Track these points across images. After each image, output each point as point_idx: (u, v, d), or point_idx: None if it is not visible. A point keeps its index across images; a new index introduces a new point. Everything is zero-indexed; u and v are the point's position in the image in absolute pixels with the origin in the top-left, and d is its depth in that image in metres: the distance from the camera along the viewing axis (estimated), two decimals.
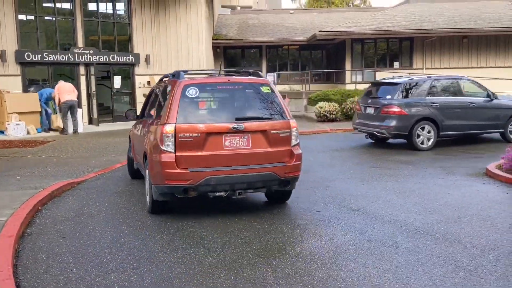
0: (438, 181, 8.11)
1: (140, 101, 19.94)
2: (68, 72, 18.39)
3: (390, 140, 12.87)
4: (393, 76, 13.74)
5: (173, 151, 5.73)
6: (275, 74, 25.67)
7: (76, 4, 17.93)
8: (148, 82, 20.09)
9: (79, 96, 18.26)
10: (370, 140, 13.26)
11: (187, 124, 5.78)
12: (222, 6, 30.68)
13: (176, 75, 6.44)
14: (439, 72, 21.85)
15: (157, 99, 7.06)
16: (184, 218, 6.03)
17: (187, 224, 5.79)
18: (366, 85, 20.82)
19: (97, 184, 8.36)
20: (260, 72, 6.95)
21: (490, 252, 4.69)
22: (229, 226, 5.66)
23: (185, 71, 6.55)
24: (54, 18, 17.75)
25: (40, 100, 16.00)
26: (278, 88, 21.56)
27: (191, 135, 5.75)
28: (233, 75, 7.06)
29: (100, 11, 19.09)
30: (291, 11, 29.63)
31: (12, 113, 15.26)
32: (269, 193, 6.57)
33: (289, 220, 5.91)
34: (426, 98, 11.69)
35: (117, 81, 19.44)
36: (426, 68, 22.55)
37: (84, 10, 18.40)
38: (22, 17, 17.06)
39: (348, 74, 22.73)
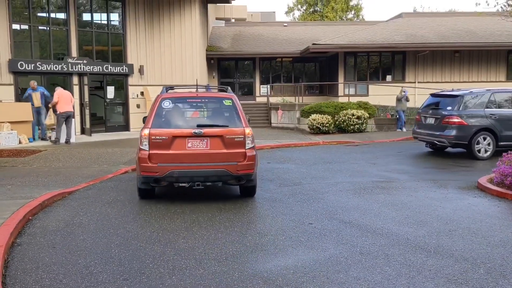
0: (430, 194, 8.15)
1: (133, 111, 19.94)
2: (61, 82, 18.34)
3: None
4: (452, 89, 14.10)
5: (147, 149, 7.28)
6: (269, 86, 25.79)
7: (71, 14, 17.96)
8: (142, 93, 20.10)
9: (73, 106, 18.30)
10: (379, 151, 13.37)
11: (159, 129, 7.33)
12: (217, 18, 30.88)
13: (162, 90, 8.08)
14: (431, 86, 22.10)
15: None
16: (175, 230, 6.00)
17: (178, 235, 5.77)
18: (359, 98, 21.05)
19: (88, 194, 8.32)
20: (228, 88, 8.50)
21: (481, 265, 4.71)
22: (219, 239, 5.64)
23: (171, 87, 8.48)
24: (48, 28, 17.76)
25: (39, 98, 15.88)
26: (271, 100, 21.67)
27: (161, 137, 7.26)
28: (207, 90, 8.75)
29: (94, 21, 19.11)
30: (285, 24, 29.86)
31: (4, 122, 15.16)
32: (240, 188, 7.99)
33: (282, 232, 5.89)
34: (485, 109, 12.20)
35: (110, 92, 19.41)
36: (418, 82, 22.77)
37: (78, 20, 18.43)
38: (15, 26, 17.05)
39: (341, 87, 22.88)
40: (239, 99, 8.72)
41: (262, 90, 25.88)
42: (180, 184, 7.32)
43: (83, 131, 18.32)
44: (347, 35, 23.31)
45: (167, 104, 7.63)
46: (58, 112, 15.23)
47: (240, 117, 7.65)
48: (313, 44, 21.65)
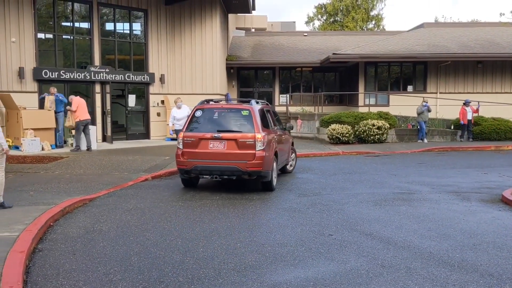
0: (453, 206, 7.99)
1: (153, 119, 20.12)
2: (83, 90, 18.64)
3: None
4: None
5: (181, 148, 9.33)
6: (288, 95, 25.77)
7: (94, 24, 18.27)
8: (162, 101, 20.27)
9: (94, 114, 18.55)
10: (399, 162, 13.24)
11: (190, 132, 9.37)
12: (237, 28, 31.05)
13: (199, 102, 10.08)
14: (452, 97, 21.80)
15: None
16: (194, 239, 5.99)
17: (197, 244, 5.75)
18: (379, 108, 20.87)
19: (108, 201, 8.37)
20: (251, 101, 9.98)
21: (507, 281, 4.58)
22: (238, 248, 5.60)
23: (208, 101, 10.22)
24: (72, 37, 18.08)
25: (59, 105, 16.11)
26: (290, 110, 21.69)
27: (190, 139, 9.29)
28: (227, 99, 10.25)
29: (117, 31, 19.40)
30: (305, 34, 29.87)
31: (27, 129, 15.44)
32: (261, 183, 9.43)
33: (301, 243, 5.83)
34: None
35: (131, 100, 19.63)
36: (440, 93, 22.48)
37: (102, 30, 18.73)
38: (41, 35, 17.41)
39: (361, 97, 22.72)
40: None
41: (281, 100, 25.88)
42: (204, 177, 9.33)
43: (104, 139, 18.53)
44: (367, 45, 23.18)
45: (198, 113, 9.63)
46: (78, 120, 15.43)
47: (253, 125, 9.20)
48: (333, 54, 21.58)
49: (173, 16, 20.36)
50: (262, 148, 9.03)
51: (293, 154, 12.31)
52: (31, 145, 15.29)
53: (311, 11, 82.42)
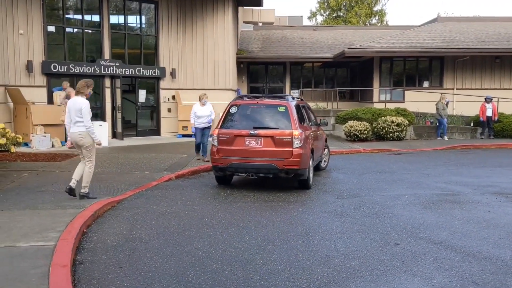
0: (508, 209, 7.45)
1: (164, 115, 19.49)
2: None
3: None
4: None
5: (216, 145, 9.05)
6: (299, 91, 25.16)
7: (104, 16, 17.61)
8: (173, 97, 19.64)
9: (103, 109, 17.92)
10: (425, 161, 12.69)
11: (225, 129, 9.08)
12: (244, 22, 30.38)
13: (234, 98, 10.03)
14: (470, 93, 21.26)
15: None
16: (248, 248, 5.42)
17: (253, 254, 5.18)
18: (394, 105, 20.32)
19: (137, 203, 7.79)
20: (287, 96, 9.81)
21: None
22: (302, 260, 5.03)
23: (243, 96, 10.00)
24: (81, 29, 17.41)
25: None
26: None
27: (226, 136, 8.98)
28: (238, 94, 10.15)
29: (127, 24, 18.72)
30: (315, 28, 29.25)
31: (37, 125, 14.81)
32: (298, 181, 9.15)
33: (369, 253, 5.26)
34: None
35: (142, 95, 18.99)
36: (456, 89, 21.94)
37: (111, 22, 18.05)
38: (50, 28, 16.73)
39: (376, 93, 22.16)
40: None
41: (292, 95, 25.25)
42: (239, 174, 8.98)
43: (114, 135, 17.90)
44: (382, 39, 22.60)
45: (233, 109, 9.32)
46: None
47: (290, 121, 8.84)
48: (349, 48, 20.99)
49: (184, 7, 19.71)
50: (300, 145, 8.72)
51: (326, 150, 11.81)
52: (41, 142, 14.66)
53: (313, 6, 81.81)
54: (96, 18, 17.84)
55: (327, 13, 56.08)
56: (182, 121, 18.98)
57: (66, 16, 17.09)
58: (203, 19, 19.89)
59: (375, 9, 54.29)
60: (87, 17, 17.72)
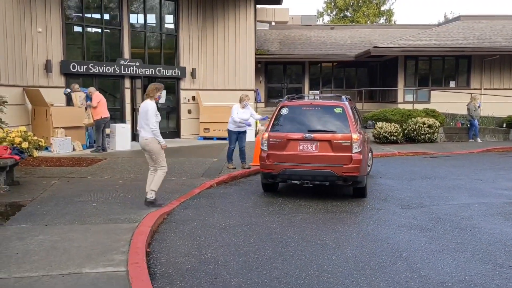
0: None
1: (184, 117, 18.80)
2: (111, 85, 17.31)
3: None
4: None
5: (266, 149, 8.37)
6: (318, 92, 24.45)
7: (123, 15, 16.90)
8: (193, 98, 18.94)
9: (123, 111, 17.21)
10: (468, 164, 11.99)
11: (276, 132, 8.38)
12: (258, 21, 29.64)
13: (284, 99, 9.12)
14: (498, 93, 20.57)
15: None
16: (344, 274, 4.71)
17: (356, 282, 4.47)
18: (420, 105, 19.60)
19: (188, 215, 7.08)
20: (342, 97, 8.94)
21: None
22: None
23: (293, 96, 9.38)
24: (100, 29, 16.69)
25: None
26: None
27: (277, 140, 8.30)
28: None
29: (147, 23, 18.00)
30: (332, 27, 28.54)
31: (58, 127, 14.09)
32: (353, 189, 8.47)
33: (491, 280, 4.54)
34: None
35: (162, 96, 18.22)
36: (484, 89, 21.23)
37: (131, 20, 17.32)
38: (68, 27, 16.03)
39: (400, 93, 21.45)
40: None
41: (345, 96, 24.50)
42: (292, 181, 8.19)
43: (134, 138, 17.15)
44: (407, 38, 21.89)
45: (284, 111, 8.57)
46: (99, 118, 13.81)
47: (348, 124, 8.15)
48: (374, 47, 20.27)
49: (204, 5, 19.01)
50: (359, 150, 8.05)
51: (370, 154, 11.07)
52: (62, 145, 13.94)
53: (320, 6, 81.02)
54: (115, 16, 17.14)
55: (334, 13, 55.38)
56: (203, 123, 18.30)
57: (85, 14, 16.37)
58: (224, 17, 19.19)
59: (382, 8, 53.69)
60: (106, 16, 17.01)
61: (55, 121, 14.11)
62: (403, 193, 9.01)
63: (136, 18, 17.98)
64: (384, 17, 54.03)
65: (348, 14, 53.88)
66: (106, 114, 14.05)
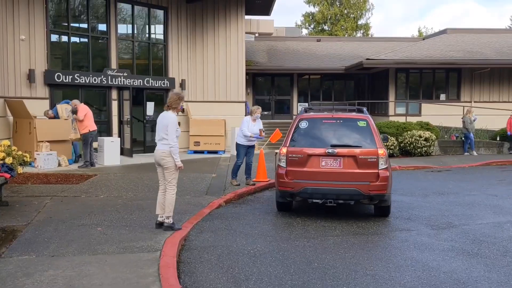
0: None
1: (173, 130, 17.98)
2: (97, 96, 16.45)
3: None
4: None
5: (284, 166, 7.74)
6: (307, 104, 24.02)
7: (111, 23, 16.10)
8: (183, 110, 18.11)
9: (110, 124, 16.33)
10: (473, 179, 11.57)
11: (296, 147, 7.76)
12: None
13: (300, 111, 8.65)
14: (487, 106, 20.53)
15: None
16: None
17: None
18: (410, 118, 19.31)
19: (208, 240, 6.39)
20: (364, 109, 8.54)
21: None
22: None
23: (309, 108, 9.02)
24: (87, 37, 15.82)
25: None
26: None
27: (297, 155, 7.68)
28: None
29: (135, 32, 17.24)
30: (318, 39, 28.28)
31: (42, 141, 13.15)
32: (374, 207, 8.00)
33: None
34: None
35: (150, 108, 17.44)
36: (474, 101, 21.18)
37: (118, 31, 16.52)
38: (53, 35, 15.14)
39: (391, 106, 21.18)
40: (275, 117, 9.64)
41: (299, 109, 24.09)
42: (314, 200, 7.56)
43: (122, 152, 16.28)
44: (398, 50, 21.75)
45: (304, 125, 7.99)
46: (87, 131, 12.96)
47: (374, 138, 7.68)
48: (367, 59, 19.98)
49: (194, 14, 18.37)
50: (385, 166, 7.54)
51: None
52: (47, 160, 12.99)
53: (299, 19, 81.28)
54: (102, 24, 16.33)
55: (312, 26, 55.54)
56: (193, 136, 17.59)
57: (71, 22, 15.50)
58: (214, 27, 18.60)
59: (359, 22, 54.29)
60: (93, 24, 16.17)
61: (39, 135, 13.17)
62: (425, 211, 8.51)
63: (124, 27, 17.20)
64: (361, 31, 54.55)
65: (326, 27, 54.12)
66: (94, 127, 13.22)
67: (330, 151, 7.50)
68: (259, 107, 10.48)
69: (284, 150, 7.82)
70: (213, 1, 18.52)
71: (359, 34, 53.85)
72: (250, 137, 10.19)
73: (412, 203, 9.30)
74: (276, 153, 13.66)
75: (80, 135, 13.21)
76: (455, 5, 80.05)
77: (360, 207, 8.61)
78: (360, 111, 8.59)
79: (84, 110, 13.10)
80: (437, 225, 7.49)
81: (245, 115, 20.08)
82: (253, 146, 10.45)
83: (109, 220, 7.20)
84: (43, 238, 6.08)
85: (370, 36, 53.70)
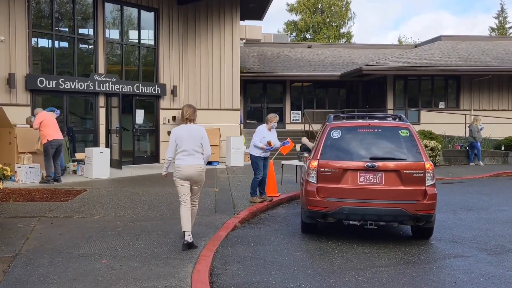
0: None
1: (164, 139, 16.82)
2: (84, 103, 15.21)
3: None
4: None
5: (315, 182, 6.70)
6: (300, 112, 23.14)
7: (99, 26, 14.91)
8: (173, 118, 17.04)
9: (97, 133, 15.07)
10: (489, 190, 10.78)
11: (328, 160, 6.71)
12: None
13: (329, 118, 7.52)
14: (487, 114, 19.99)
15: (315, 138, 7.88)
16: None
17: None
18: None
19: (239, 275, 5.36)
20: (402, 116, 7.53)
21: None
22: None
23: (337, 115, 7.91)
24: (73, 40, 14.57)
25: None
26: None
27: (330, 170, 6.66)
28: (376, 119, 7.62)
29: (124, 35, 16.06)
30: (309, 46, 27.51)
31: (23, 152, 11.88)
32: (413, 228, 7.05)
33: None
34: None
35: (139, 116, 16.27)
36: (474, 110, 20.61)
37: (107, 33, 15.34)
38: (36, 37, 13.86)
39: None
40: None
41: (293, 117, 23.18)
42: (350, 222, 6.63)
43: (110, 164, 15.03)
44: (396, 57, 21.06)
45: (336, 134, 6.97)
46: (46, 141, 11.30)
47: (419, 149, 6.73)
48: (366, 65, 19.22)
49: (186, 17, 17.36)
50: (432, 182, 6.60)
51: None
52: (30, 174, 11.77)
53: (281, 27, 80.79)
54: (90, 26, 15.13)
55: (294, 34, 55.06)
56: None
57: (56, 23, 14.24)
58: (207, 31, 17.60)
59: (342, 31, 54.21)
60: (79, 25, 14.94)
61: (20, 145, 11.93)
62: (466, 232, 7.61)
63: (112, 30, 16.01)
64: (344, 39, 54.30)
65: (308, 36, 53.68)
66: (55, 136, 11.39)
67: (369, 164, 6.53)
68: (276, 115, 9.42)
69: (314, 163, 6.74)
70: (206, 3, 17.55)
71: (341, 42, 53.60)
72: (262, 148, 9.15)
73: (445, 221, 8.40)
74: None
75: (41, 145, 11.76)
76: (429, 15, 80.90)
77: (390, 226, 7.64)
78: (399, 118, 7.57)
79: (40, 118, 11.39)
80: (490, 249, 6.59)
81: (239, 123, 19.12)
82: (267, 158, 9.41)
83: (113, 248, 6.07)
84: (37, 276, 4.93)
85: (352, 43, 53.53)
